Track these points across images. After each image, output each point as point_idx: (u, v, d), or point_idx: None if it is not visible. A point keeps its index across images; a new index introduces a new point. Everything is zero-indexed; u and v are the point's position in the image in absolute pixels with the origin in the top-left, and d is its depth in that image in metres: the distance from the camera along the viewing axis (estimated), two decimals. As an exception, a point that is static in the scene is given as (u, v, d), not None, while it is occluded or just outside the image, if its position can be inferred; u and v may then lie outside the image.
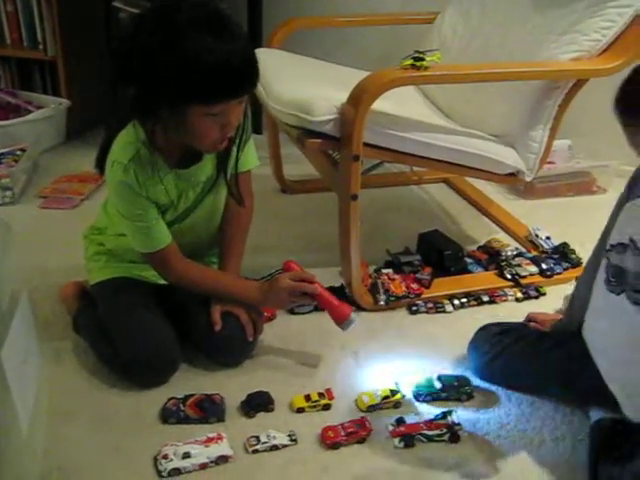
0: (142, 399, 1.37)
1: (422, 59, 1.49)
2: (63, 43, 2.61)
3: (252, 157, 1.50)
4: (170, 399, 1.34)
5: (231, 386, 1.40)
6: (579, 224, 2.09)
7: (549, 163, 2.29)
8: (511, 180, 1.75)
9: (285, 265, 1.50)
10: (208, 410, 1.32)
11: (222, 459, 1.23)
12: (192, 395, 1.34)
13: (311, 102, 1.53)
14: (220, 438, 1.26)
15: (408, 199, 2.34)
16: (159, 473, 1.20)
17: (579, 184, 2.39)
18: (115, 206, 1.39)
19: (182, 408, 1.32)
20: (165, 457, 1.22)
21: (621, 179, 1.34)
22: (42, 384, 1.33)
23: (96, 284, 1.51)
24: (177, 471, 1.20)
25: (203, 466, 1.22)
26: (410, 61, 1.49)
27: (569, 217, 2.20)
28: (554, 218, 2.17)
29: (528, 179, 1.75)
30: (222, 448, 1.24)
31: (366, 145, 1.53)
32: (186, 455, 1.22)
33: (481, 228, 2.13)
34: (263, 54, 1.99)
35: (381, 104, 1.50)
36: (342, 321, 1.44)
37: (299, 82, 1.77)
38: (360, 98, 1.46)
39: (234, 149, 1.39)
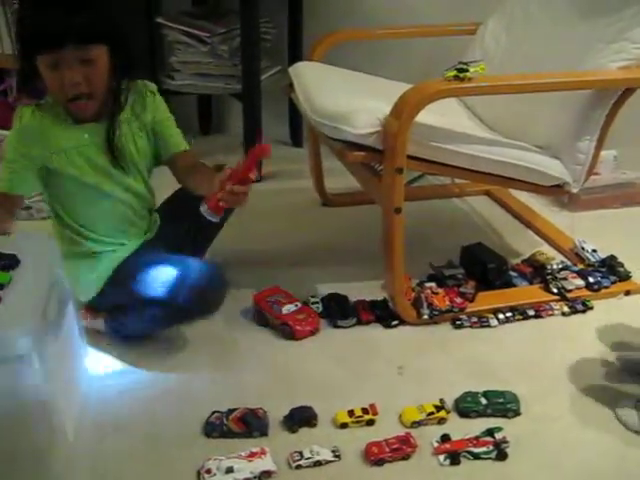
0: (186, 412, 1.37)
1: (466, 70, 1.47)
2: (107, 59, 2.65)
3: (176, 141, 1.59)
4: (213, 413, 1.34)
5: (274, 400, 1.39)
6: (626, 236, 2.05)
7: (594, 174, 2.24)
8: (556, 192, 1.72)
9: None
10: (251, 424, 1.32)
11: (265, 474, 1.22)
12: (235, 409, 1.34)
13: (354, 114, 1.53)
14: (263, 453, 1.25)
15: (450, 212, 2.31)
16: (203, 487, 1.19)
17: (625, 195, 2.34)
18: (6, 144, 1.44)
19: (225, 422, 1.32)
20: (208, 472, 1.21)
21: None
22: (88, 397, 1.34)
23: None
24: (221, 485, 1.19)
25: (247, 481, 1.21)
26: (454, 72, 1.47)
27: (615, 229, 2.15)
28: (600, 230, 2.12)
29: (574, 190, 1.72)
30: (265, 463, 1.23)
31: (409, 157, 1.52)
32: (229, 470, 1.21)
33: (525, 241, 2.09)
34: (304, 67, 2.05)
35: (424, 116, 1.49)
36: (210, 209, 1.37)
37: (341, 94, 1.76)
38: (403, 110, 1.45)
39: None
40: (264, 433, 1.32)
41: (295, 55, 2.71)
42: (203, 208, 1.38)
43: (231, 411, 1.34)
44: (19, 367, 1.04)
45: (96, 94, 1.41)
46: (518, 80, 1.57)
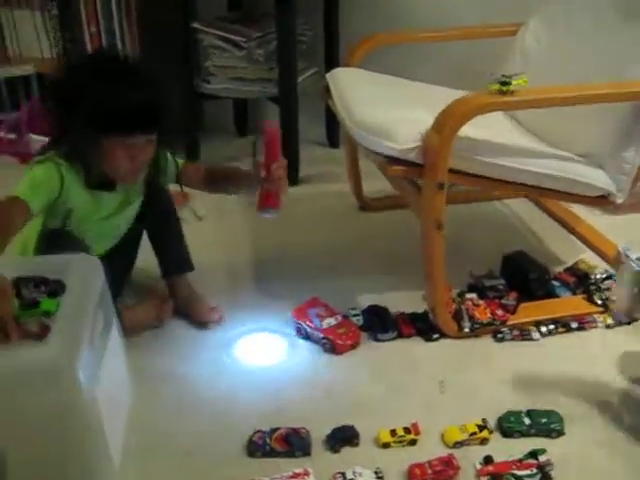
0: (228, 432, 1.38)
1: (509, 83, 1.45)
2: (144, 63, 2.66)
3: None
4: (256, 432, 1.35)
5: (316, 419, 1.40)
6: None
7: None
8: (601, 202, 1.69)
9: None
10: (294, 444, 1.33)
11: (309, 496, 1.23)
12: (278, 429, 1.35)
13: (394, 128, 1.52)
14: (307, 474, 1.26)
15: (490, 215, 2.28)
16: (247, 509, 1.21)
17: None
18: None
19: (268, 442, 1.33)
20: (253, 492, 1.22)
21: None
22: (132, 417, 1.36)
23: None
24: (265, 507, 1.20)
25: (290, 503, 1.22)
26: (497, 86, 1.45)
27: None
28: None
29: (619, 201, 1.68)
30: (309, 484, 1.24)
31: (450, 171, 1.50)
32: (274, 491, 1.22)
33: (567, 246, 2.06)
34: (342, 73, 2.03)
35: (466, 128, 1.47)
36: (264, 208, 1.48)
37: (381, 104, 1.75)
38: (445, 125, 1.43)
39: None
40: (307, 453, 1.33)
41: (332, 55, 2.70)
42: (265, 212, 1.49)
43: (274, 430, 1.35)
44: (68, 395, 1.06)
45: (146, 169, 1.52)
46: (561, 93, 1.53)
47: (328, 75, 2.06)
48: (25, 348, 1.06)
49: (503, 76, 1.46)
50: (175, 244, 1.72)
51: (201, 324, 1.68)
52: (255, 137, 1.52)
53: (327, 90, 2.04)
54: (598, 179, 1.64)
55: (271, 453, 1.32)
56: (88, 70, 1.43)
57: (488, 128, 1.63)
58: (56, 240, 1.48)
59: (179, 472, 1.30)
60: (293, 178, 2.54)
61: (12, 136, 2.70)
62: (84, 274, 1.27)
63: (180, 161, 1.67)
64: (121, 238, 1.68)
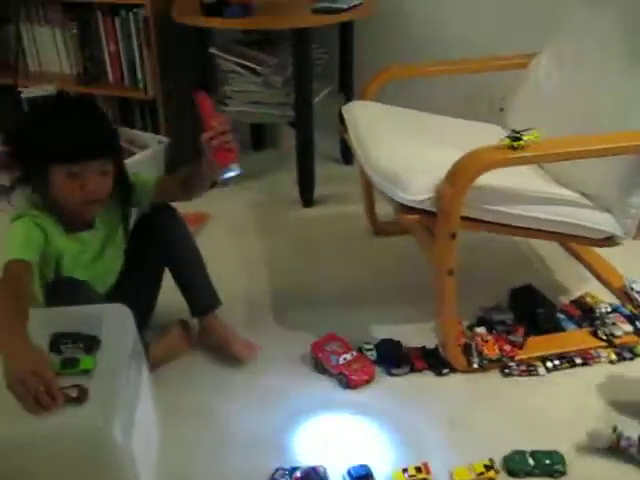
0: (251, 467, 1.47)
1: (519, 139, 1.51)
2: (162, 85, 2.73)
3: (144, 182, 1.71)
4: (277, 470, 1.44)
5: (333, 456, 1.49)
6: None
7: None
8: (606, 243, 1.75)
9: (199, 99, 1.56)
10: (312, 482, 1.41)
11: (327, 536, 1.32)
12: (297, 468, 1.44)
13: (408, 179, 1.59)
14: (325, 513, 1.35)
15: (498, 242, 2.34)
16: None
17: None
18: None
19: (290, 479, 1.41)
20: (274, 531, 1.31)
21: None
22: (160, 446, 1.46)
23: None
24: None
25: (310, 542, 1.31)
26: (508, 141, 1.52)
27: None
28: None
29: (624, 241, 1.75)
30: (327, 524, 1.33)
31: (462, 218, 1.57)
32: (294, 530, 1.31)
33: (574, 276, 2.12)
34: (357, 108, 2.10)
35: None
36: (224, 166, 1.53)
37: (395, 145, 1.81)
38: (458, 180, 1.50)
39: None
40: (324, 492, 1.42)
41: (346, 74, 2.77)
42: (225, 173, 1.54)
43: (294, 469, 1.44)
44: (106, 452, 1.15)
45: (104, 199, 1.56)
46: (570, 147, 1.59)
47: (344, 108, 2.13)
48: (67, 413, 1.14)
49: (514, 131, 1.53)
50: (201, 282, 1.77)
51: (238, 360, 1.75)
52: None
53: (342, 121, 2.11)
54: (605, 223, 1.70)
55: (291, 492, 1.41)
56: (35, 111, 1.63)
57: (500, 173, 1.68)
58: (61, 287, 1.55)
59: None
60: (308, 199, 2.62)
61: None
62: (116, 325, 1.36)
63: (153, 178, 1.74)
64: (130, 277, 1.74)
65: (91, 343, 1.28)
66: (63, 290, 1.53)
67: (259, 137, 3.08)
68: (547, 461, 1.45)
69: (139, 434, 1.29)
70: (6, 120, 3.02)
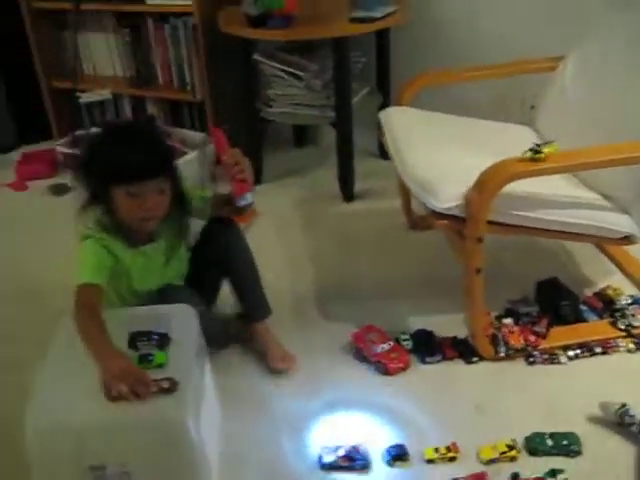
0: (300, 446, 1.68)
1: (540, 152, 1.66)
2: (210, 88, 2.92)
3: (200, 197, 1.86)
4: (323, 448, 1.64)
5: (373, 436, 1.68)
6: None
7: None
8: (624, 243, 1.89)
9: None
10: (355, 459, 1.61)
11: (368, 506, 1.52)
12: (341, 446, 1.63)
13: (440, 187, 1.76)
14: (366, 486, 1.55)
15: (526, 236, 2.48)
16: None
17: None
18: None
19: (334, 457, 1.62)
20: (323, 501, 1.52)
21: None
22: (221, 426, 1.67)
23: None
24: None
25: (353, 511, 1.51)
26: (530, 154, 1.67)
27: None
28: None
29: (641, 241, 1.89)
30: (368, 495, 1.53)
31: (490, 222, 1.74)
32: (339, 501, 1.51)
33: (598, 268, 2.26)
34: (394, 114, 2.26)
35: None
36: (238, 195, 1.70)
37: (428, 153, 1.96)
38: (483, 189, 1.67)
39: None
40: (366, 467, 1.61)
41: (383, 75, 2.92)
42: (238, 201, 1.72)
43: (338, 448, 1.64)
44: (181, 437, 1.36)
45: (162, 215, 1.70)
46: (588, 158, 1.73)
47: (381, 114, 2.29)
48: (157, 401, 1.35)
49: (535, 144, 1.68)
50: (253, 294, 1.94)
51: (274, 371, 1.90)
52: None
53: (379, 126, 2.28)
54: (623, 224, 1.84)
55: (337, 468, 1.61)
56: (99, 137, 1.74)
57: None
58: (166, 296, 1.76)
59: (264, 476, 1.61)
60: (348, 194, 2.80)
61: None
62: (183, 324, 1.56)
63: (207, 195, 1.88)
64: (194, 282, 1.91)
65: (163, 340, 1.49)
66: (168, 297, 1.73)
67: (300, 135, 3.26)
68: (564, 442, 1.62)
69: (206, 420, 1.50)
70: (65, 122, 3.29)
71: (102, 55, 3.26)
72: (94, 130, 2.87)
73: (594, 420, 1.71)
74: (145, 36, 3.07)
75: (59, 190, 3.02)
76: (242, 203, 1.73)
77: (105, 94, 3.08)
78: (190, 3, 2.74)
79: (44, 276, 2.40)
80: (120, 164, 1.61)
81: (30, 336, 2.01)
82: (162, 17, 2.97)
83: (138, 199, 1.63)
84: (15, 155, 3.29)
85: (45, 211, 2.88)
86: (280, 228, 2.60)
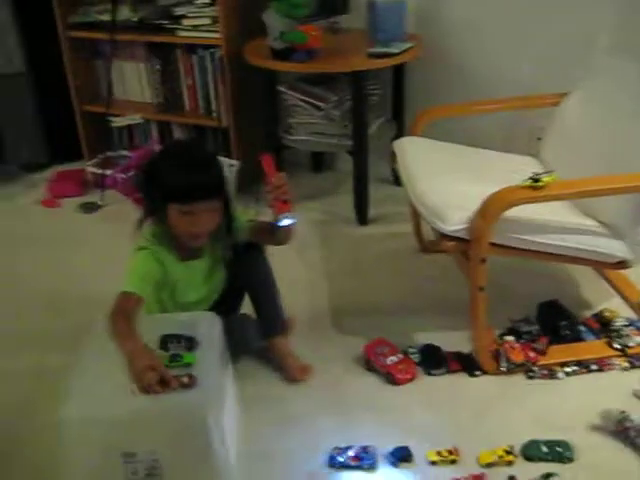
0: (313, 445, 1.81)
1: (539, 180, 1.81)
2: (234, 115, 3.10)
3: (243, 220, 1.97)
4: (335, 448, 1.78)
5: (380, 439, 1.81)
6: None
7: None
8: (618, 267, 2.03)
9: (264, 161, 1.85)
10: (363, 459, 1.74)
11: (375, 501, 1.65)
12: (351, 446, 1.77)
13: (447, 211, 1.91)
14: (373, 484, 1.68)
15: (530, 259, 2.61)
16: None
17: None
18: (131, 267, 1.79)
19: (344, 456, 1.75)
20: (333, 496, 1.65)
21: None
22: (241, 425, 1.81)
23: None
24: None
25: (361, 506, 1.64)
26: (529, 182, 1.82)
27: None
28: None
29: (636, 265, 2.03)
30: (375, 492, 1.66)
31: (493, 244, 1.88)
32: (348, 496, 1.65)
33: (597, 291, 2.39)
34: (407, 144, 2.43)
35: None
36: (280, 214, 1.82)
37: (438, 181, 2.12)
38: (486, 214, 1.82)
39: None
40: (373, 466, 1.74)
41: (398, 106, 3.09)
42: (279, 221, 1.85)
43: (348, 448, 1.77)
44: (207, 427, 1.51)
45: (210, 234, 1.84)
46: (583, 187, 1.88)
47: (395, 144, 2.46)
48: (181, 395, 1.50)
49: (535, 173, 1.83)
50: (274, 308, 2.07)
51: (292, 381, 2.03)
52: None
53: (393, 152, 2.44)
54: (618, 249, 1.98)
55: (346, 466, 1.74)
56: (160, 156, 1.86)
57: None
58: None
59: (280, 476, 1.75)
60: (363, 218, 2.95)
61: (123, 176, 3.19)
62: (209, 329, 1.71)
63: (249, 221, 1.98)
64: (225, 297, 2.06)
65: (191, 343, 1.64)
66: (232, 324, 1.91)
67: (318, 161, 3.43)
68: (558, 449, 1.75)
69: (227, 418, 1.65)
70: (95, 144, 3.48)
71: (133, 82, 3.45)
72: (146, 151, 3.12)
73: (588, 430, 1.83)
74: (174, 65, 3.26)
75: (89, 208, 3.20)
76: (284, 223, 1.85)
77: (136, 119, 3.27)
78: (219, 36, 2.93)
79: (73, 288, 2.56)
80: (180, 185, 1.73)
81: (57, 345, 2.18)
82: (191, 48, 3.16)
83: (192, 217, 1.75)
84: (47, 174, 3.48)
85: (76, 227, 3.06)
86: (298, 249, 2.74)
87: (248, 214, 2.05)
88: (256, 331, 2.07)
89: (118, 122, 3.25)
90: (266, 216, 1.97)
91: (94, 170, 3.33)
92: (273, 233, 1.92)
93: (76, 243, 2.91)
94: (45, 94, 3.45)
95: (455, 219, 1.88)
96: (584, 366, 2.05)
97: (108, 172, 3.22)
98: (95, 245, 2.88)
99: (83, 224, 3.08)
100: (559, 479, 1.68)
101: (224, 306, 2.02)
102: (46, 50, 3.34)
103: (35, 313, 2.45)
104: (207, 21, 2.98)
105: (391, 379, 2.02)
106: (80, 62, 3.40)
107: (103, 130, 3.36)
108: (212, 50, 3.09)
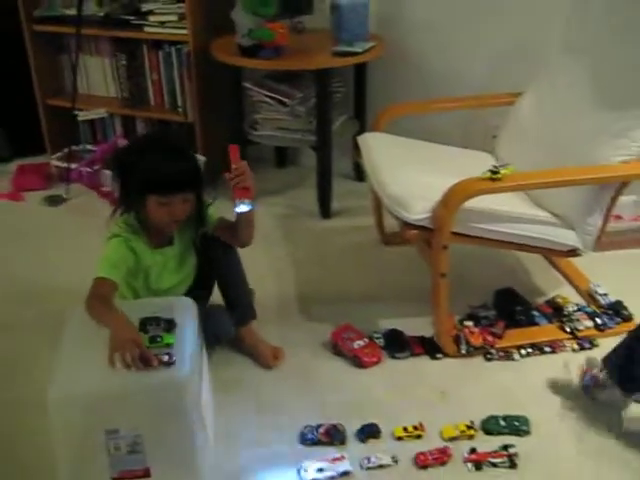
0: (283, 425, 1.90)
1: (497, 172, 1.93)
2: (200, 110, 3.16)
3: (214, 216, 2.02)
4: (306, 427, 1.86)
5: (349, 417, 1.91)
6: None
7: (616, 217, 2.68)
8: (570, 254, 2.17)
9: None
10: (334, 436, 1.84)
11: (345, 474, 1.74)
12: (322, 424, 1.86)
13: (411, 201, 2.01)
14: (343, 458, 1.77)
15: (486, 250, 2.72)
16: (301, 481, 1.73)
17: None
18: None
19: (315, 434, 1.84)
20: (305, 470, 1.74)
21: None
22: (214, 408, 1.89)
23: None
24: (314, 481, 1.72)
25: (332, 479, 1.73)
26: (488, 174, 1.94)
27: (633, 269, 2.58)
28: (617, 270, 2.54)
29: (585, 254, 2.17)
30: (345, 466, 1.75)
31: (454, 233, 2.00)
32: (320, 470, 1.74)
33: (549, 280, 2.54)
34: (370, 139, 2.53)
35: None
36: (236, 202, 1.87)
37: (401, 173, 2.22)
38: (448, 204, 1.93)
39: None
40: (343, 442, 1.84)
41: (360, 104, 3.19)
42: (238, 206, 1.89)
43: (319, 426, 1.86)
44: (189, 399, 1.58)
45: (182, 221, 1.90)
46: (537, 179, 2.02)
47: (359, 138, 2.55)
48: (162, 372, 1.57)
49: (493, 166, 1.95)
50: (244, 296, 2.14)
51: (266, 367, 2.11)
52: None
53: (356, 147, 2.54)
54: (569, 238, 2.12)
55: (318, 442, 1.83)
56: (138, 147, 1.91)
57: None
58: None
59: (251, 455, 1.82)
60: (326, 212, 3.05)
61: (89, 169, 3.21)
62: (185, 313, 1.78)
63: (217, 215, 2.02)
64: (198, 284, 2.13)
65: (170, 325, 1.70)
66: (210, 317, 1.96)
67: (282, 156, 3.51)
68: (515, 423, 1.87)
69: (204, 399, 1.72)
70: (58, 138, 3.48)
71: (97, 76, 3.47)
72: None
73: (542, 406, 1.96)
74: (140, 60, 3.29)
75: (54, 201, 3.22)
76: (241, 209, 1.91)
77: (101, 113, 3.30)
78: (186, 32, 2.99)
79: (41, 279, 2.59)
80: (158, 177, 1.80)
81: (30, 332, 2.24)
82: (157, 44, 3.20)
83: (167, 207, 1.83)
84: (10, 167, 3.47)
85: (42, 220, 3.08)
86: (264, 241, 2.82)
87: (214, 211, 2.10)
88: (228, 319, 2.12)
89: (84, 116, 3.27)
90: (226, 213, 2.04)
91: (59, 164, 3.34)
92: (236, 231, 1.98)
93: (42, 236, 2.93)
94: (6, 88, 3.44)
95: (418, 208, 1.99)
96: (538, 348, 2.18)
97: (73, 166, 3.23)
98: (62, 237, 2.90)
99: (49, 217, 3.10)
100: (516, 450, 1.79)
101: (196, 293, 2.08)
102: (8, 43, 3.33)
103: (3, 303, 2.47)
104: (174, 18, 3.03)
105: (358, 362, 2.12)
106: (44, 56, 3.40)
107: (67, 124, 3.37)
108: (178, 46, 3.14)
